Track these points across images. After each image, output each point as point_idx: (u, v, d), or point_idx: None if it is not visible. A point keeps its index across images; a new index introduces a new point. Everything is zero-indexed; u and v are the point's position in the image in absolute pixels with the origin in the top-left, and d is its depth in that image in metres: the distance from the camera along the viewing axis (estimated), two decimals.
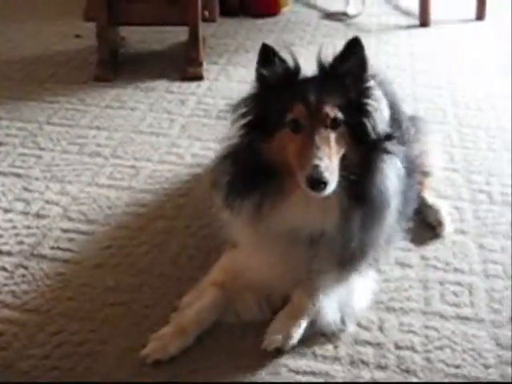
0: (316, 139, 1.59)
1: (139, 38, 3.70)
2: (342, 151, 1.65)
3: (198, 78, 3.26)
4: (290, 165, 1.65)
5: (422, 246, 2.13)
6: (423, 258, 2.09)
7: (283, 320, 1.76)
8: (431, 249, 2.13)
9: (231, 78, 3.32)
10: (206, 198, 2.32)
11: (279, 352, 1.71)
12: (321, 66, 1.72)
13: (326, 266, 1.77)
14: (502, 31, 3.87)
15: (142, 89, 3.18)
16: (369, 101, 1.69)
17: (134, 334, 1.79)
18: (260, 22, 4.11)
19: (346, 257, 1.76)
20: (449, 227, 2.21)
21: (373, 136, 1.68)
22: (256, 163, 1.70)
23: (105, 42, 3.28)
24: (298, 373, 1.69)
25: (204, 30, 3.38)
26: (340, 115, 1.64)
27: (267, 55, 1.71)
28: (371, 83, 1.73)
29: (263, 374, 1.68)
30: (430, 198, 2.29)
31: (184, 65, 3.33)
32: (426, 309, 1.90)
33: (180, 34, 3.56)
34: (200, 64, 3.31)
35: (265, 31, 3.97)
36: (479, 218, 2.28)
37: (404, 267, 2.05)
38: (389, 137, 1.73)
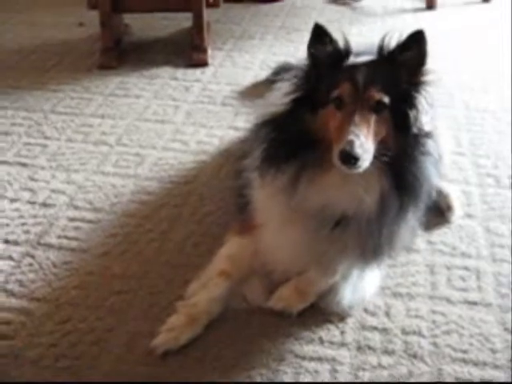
0: (356, 117, 1.60)
1: (143, 25, 3.68)
2: (382, 135, 1.65)
3: (203, 64, 3.25)
4: (330, 140, 1.64)
5: (430, 231, 2.12)
6: (430, 242, 2.09)
7: (292, 287, 1.80)
8: (438, 233, 2.12)
9: (236, 64, 3.30)
10: (212, 184, 2.34)
11: (282, 315, 1.76)
12: (380, 51, 1.72)
13: (349, 252, 1.76)
14: (508, 13, 3.83)
15: (147, 76, 3.17)
16: (418, 95, 1.69)
17: (140, 321, 1.80)
18: (265, 7, 4.08)
19: (371, 246, 1.75)
20: (458, 212, 2.21)
21: (414, 129, 1.68)
22: (299, 134, 1.69)
23: (108, 30, 3.26)
24: (304, 358, 1.70)
25: (208, 15, 3.35)
26: (386, 100, 1.63)
27: (318, 34, 1.70)
28: (426, 78, 1.72)
29: (270, 361, 1.69)
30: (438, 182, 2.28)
31: (188, 51, 3.31)
32: (433, 294, 1.89)
33: (184, 20, 3.54)
34: (205, 50, 3.30)
35: (270, 16, 3.94)
36: (486, 202, 2.27)
37: (411, 252, 2.04)
38: (428, 135, 1.72)
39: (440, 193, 2.23)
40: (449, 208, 2.20)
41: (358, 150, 1.56)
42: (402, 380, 1.64)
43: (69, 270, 1.98)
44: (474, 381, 1.64)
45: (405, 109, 1.67)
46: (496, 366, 1.67)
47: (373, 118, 1.62)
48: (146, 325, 1.77)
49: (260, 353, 1.70)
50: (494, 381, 1.64)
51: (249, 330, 1.76)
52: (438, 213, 2.20)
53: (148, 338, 1.71)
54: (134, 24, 3.64)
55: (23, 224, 2.17)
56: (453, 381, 1.64)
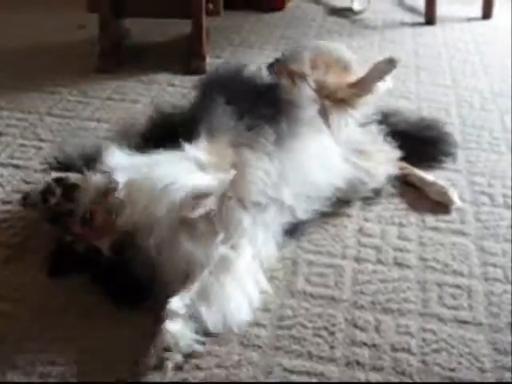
0: None
1: (142, 29, 3.68)
2: None
3: (201, 71, 3.24)
4: None
5: (424, 247, 2.12)
6: (422, 259, 2.08)
7: None
8: (430, 250, 2.11)
9: None
10: None
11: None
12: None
13: None
14: (508, 30, 3.84)
15: (144, 81, 3.16)
16: None
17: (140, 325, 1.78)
18: (265, 16, 4.09)
19: None
20: (457, 200, 2.29)
21: None
22: None
23: (107, 34, 3.25)
24: (292, 372, 1.68)
25: (208, 23, 3.35)
26: None
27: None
28: None
29: (258, 373, 1.67)
30: (426, 175, 2.37)
31: (187, 58, 3.31)
32: (424, 311, 1.88)
33: (184, 26, 3.53)
34: (203, 58, 3.29)
35: (270, 26, 3.94)
36: (480, 220, 2.26)
37: (402, 268, 2.03)
38: None
39: (434, 185, 2.32)
40: (448, 199, 2.28)
41: None
42: None
43: None
44: None
45: None
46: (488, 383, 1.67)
47: None
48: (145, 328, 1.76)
49: (247, 365, 1.68)
50: None
51: (231, 342, 1.74)
52: (435, 205, 2.27)
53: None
54: (133, 29, 3.63)
55: (13, 227, 2.15)
56: None
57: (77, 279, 1.91)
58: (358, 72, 2.39)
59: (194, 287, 1.75)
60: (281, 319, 1.83)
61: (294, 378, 1.66)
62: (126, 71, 3.24)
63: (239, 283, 1.80)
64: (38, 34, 3.64)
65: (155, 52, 3.49)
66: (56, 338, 1.75)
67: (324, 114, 2.23)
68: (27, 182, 2.37)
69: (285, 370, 1.68)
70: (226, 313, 1.74)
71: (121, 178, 1.83)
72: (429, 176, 2.39)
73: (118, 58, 3.32)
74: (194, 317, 1.69)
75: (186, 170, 1.87)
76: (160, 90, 3.08)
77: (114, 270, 1.79)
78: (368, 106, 2.39)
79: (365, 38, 3.78)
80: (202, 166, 1.90)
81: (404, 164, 2.39)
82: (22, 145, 2.61)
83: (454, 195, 2.31)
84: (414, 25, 3.98)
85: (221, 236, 1.82)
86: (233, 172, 1.91)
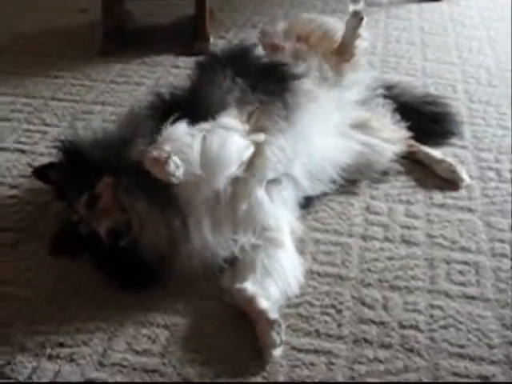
0: None
1: (145, 11, 3.65)
2: None
3: (205, 52, 3.20)
4: None
5: (431, 223, 2.12)
6: (429, 236, 2.07)
7: None
8: (438, 227, 2.11)
9: None
10: None
11: None
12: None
13: None
14: None
15: (148, 63, 3.15)
16: None
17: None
18: None
19: None
20: (466, 177, 2.28)
21: None
22: None
23: (110, 16, 3.24)
24: (300, 351, 1.69)
25: (211, 3, 3.32)
26: None
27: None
28: None
29: None
30: (434, 152, 2.36)
31: (190, 39, 3.28)
32: (432, 287, 1.88)
33: (187, 7, 3.50)
34: (207, 38, 3.27)
35: (273, 6, 3.89)
36: (487, 196, 2.25)
37: (410, 245, 2.03)
38: None
39: (443, 163, 2.31)
40: (458, 177, 2.28)
41: None
42: (397, 374, 1.63)
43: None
44: (470, 376, 1.63)
45: None
46: (493, 362, 1.66)
47: None
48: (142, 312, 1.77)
49: (256, 343, 1.68)
50: (491, 377, 1.63)
51: (245, 322, 1.74)
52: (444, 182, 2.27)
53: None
54: (136, 10, 3.60)
55: (20, 211, 2.16)
56: (449, 375, 1.63)
57: (85, 262, 1.92)
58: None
59: (256, 269, 1.82)
60: (288, 298, 1.83)
61: (302, 356, 1.67)
62: (129, 54, 3.23)
63: (289, 255, 1.90)
64: (40, 19, 3.62)
65: (158, 34, 3.46)
66: (64, 320, 1.77)
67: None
68: (33, 167, 2.37)
69: (293, 348, 1.69)
70: (288, 282, 1.83)
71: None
72: (437, 153, 2.37)
73: (121, 41, 3.31)
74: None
75: (234, 139, 1.86)
76: (164, 72, 3.07)
77: (115, 254, 1.79)
78: (356, 70, 2.39)
79: (370, 15, 3.71)
80: (240, 133, 1.90)
81: (411, 141, 2.37)
82: (28, 130, 2.62)
83: (463, 172, 2.30)
84: (420, 1, 3.93)
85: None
86: (262, 135, 1.93)
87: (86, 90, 2.91)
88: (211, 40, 3.29)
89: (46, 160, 2.39)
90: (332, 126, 2.16)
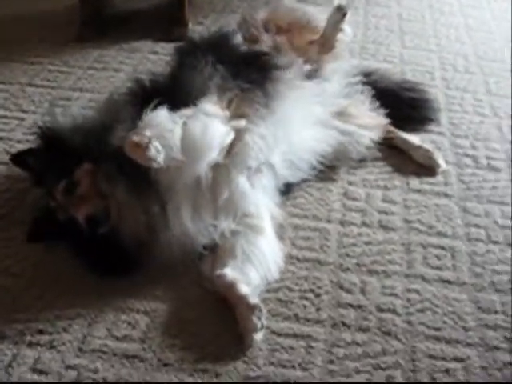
0: None
1: None
2: None
3: (183, 38, 3.18)
4: None
5: (408, 208, 2.14)
6: (406, 221, 2.10)
7: None
8: (414, 212, 2.14)
9: None
10: None
11: None
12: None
13: None
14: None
15: (126, 49, 3.12)
16: None
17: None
18: None
19: None
20: (443, 163, 2.31)
21: None
22: None
23: (87, 2, 3.20)
24: (280, 335, 1.71)
25: None
26: None
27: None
28: None
29: None
30: (412, 138, 2.38)
31: (169, 25, 3.26)
32: (409, 272, 1.91)
33: None
34: (185, 24, 3.25)
35: None
36: (464, 182, 2.28)
37: (387, 230, 2.06)
38: None
39: (420, 149, 2.33)
40: (435, 163, 2.31)
41: None
42: (375, 357, 1.66)
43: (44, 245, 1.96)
44: (446, 358, 1.66)
45: None
46: (468, 344, 1.70)
47: None
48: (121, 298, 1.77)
49: (236, 329, 1.70)
50: (466, 359, 1.66)
51: (225, 308, 1.75)
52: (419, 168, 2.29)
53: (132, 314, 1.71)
54: None
55: None
56: (426, 358, 1.66)
57: (64, 249, 1.91)
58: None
59: (236, 255, 1.83)
60: (268, 283, 1.84)
61: (281, 340, 1.69)
62: (107, 40, 3.20)
63: (269, 241, 1.91)
64: (16, 5, 3.56)
65: (137, 20, 3.43)
66: (44, 307, 1.77)
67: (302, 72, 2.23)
68: (11, 154, 2.35)
69: (272, 332, 1.71)
70: (268, 268, 1.85)
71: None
72: (414, 139, 2.40)
73: (99, 27, 3.27)
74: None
75: (215, 125, 1.87)
76: (142, 58, 3.05)
77: (94, 241, 1.79)
78: (336, 60, 2.39)
79: (381, 5, 3.73)
80: (221, 119, 1.90)
81: (389, 127, 2.39)
82: (4, 116, 2.59)
83: (440, 158, 2.33)
84: None
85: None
86: (243, 121, 1.94)
87: (64, 76, 2.89)
88: (190, 26, 3.27)
89: (23, 147, 2.37)
90: (312, 115, 2.17)
